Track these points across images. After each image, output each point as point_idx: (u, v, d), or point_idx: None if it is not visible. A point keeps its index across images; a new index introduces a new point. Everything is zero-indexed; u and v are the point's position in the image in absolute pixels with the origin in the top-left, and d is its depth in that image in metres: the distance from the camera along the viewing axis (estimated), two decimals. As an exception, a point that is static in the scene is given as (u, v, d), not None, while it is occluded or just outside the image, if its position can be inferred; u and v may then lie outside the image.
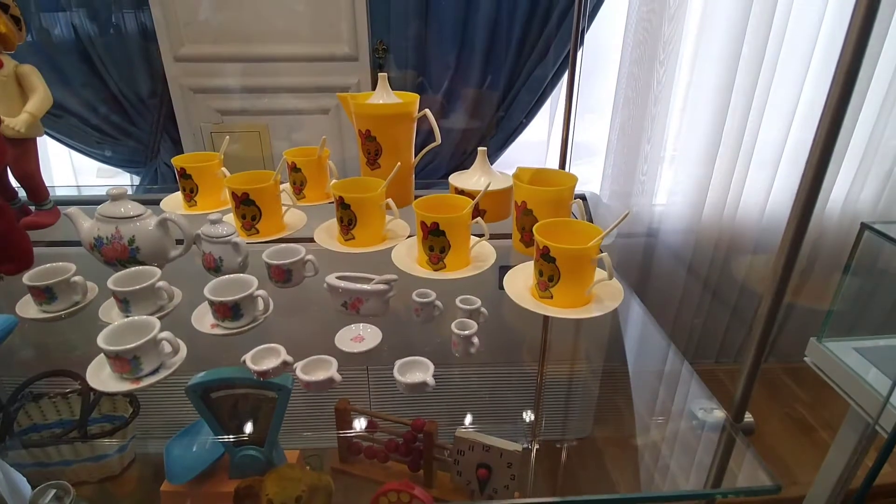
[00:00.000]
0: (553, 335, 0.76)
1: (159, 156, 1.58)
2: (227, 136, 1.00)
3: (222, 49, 1.39)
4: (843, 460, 0.91)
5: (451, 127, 1.54)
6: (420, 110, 0.97)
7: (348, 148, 1.57)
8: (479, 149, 0.97)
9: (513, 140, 1.58)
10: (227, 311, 0.64)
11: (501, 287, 0.78)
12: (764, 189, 1.51)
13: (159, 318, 0.64)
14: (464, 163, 1.57)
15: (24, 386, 0.71)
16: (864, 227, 0.99)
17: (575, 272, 0.67)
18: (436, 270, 0.78)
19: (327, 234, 0.89)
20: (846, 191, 1.53)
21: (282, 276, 0.74)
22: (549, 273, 0.68)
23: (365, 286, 0.68)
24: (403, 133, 0.97)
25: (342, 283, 0.68)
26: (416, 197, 0.86)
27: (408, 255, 0.83)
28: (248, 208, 0.86)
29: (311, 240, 0.88)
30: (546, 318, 0.72)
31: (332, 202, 0.90)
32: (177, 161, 0.97)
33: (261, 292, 0.65)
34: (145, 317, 0.59)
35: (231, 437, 0.60)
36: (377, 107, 0.93)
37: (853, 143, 1.46)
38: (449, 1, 1.40)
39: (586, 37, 1.43)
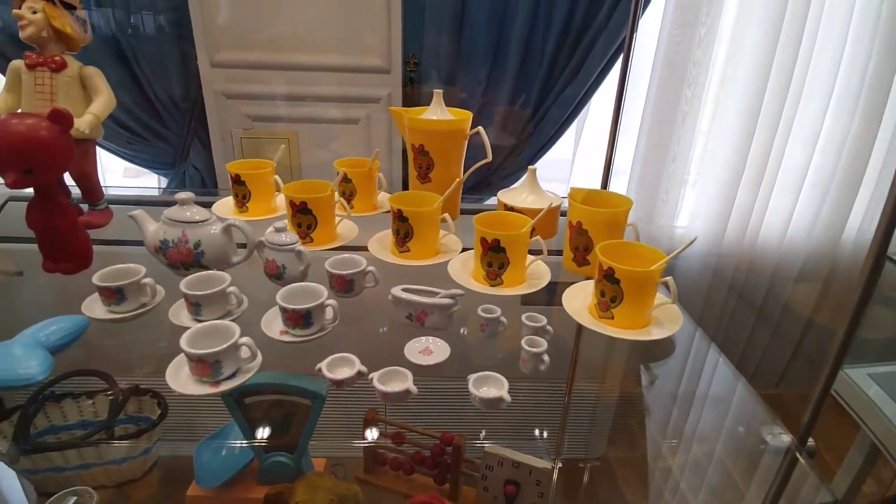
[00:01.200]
0: (608, 355, 0.77)
1: (188, 158, 1.59)
2: (283, 145, 1.01)
3: (257, 56, 1.41)
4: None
5: (480, 142, 1.56)
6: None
7: (380, 159, 1.58)
8: (530, 167, 0.98)
9: (539, 157, 1.60)
10: (300, 318, 0.65)
11: (551, 303, 0.79)
12: (785, 214, 1.53)
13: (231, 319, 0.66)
14: (489, 178, 1.58)
15: (45, 387, 0.71)
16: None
17: (638, 294, 0.69)
18: (493, 286, 0.79)
19: (380, 246, 0.90)
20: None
21: (344, 285, 0.75)
22: (612, 294, 0.69)
23: (431, 300, 0.69)
24: (455, 149, 0.99)
25: (408, 296, 0.69)
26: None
27: (463, 269, 0.84)
28: (304, 217, 0.87)
29: (363, 249, 0.89)
30: (579, 333, 0.73)
31: (380, 213, 0.91)
32: (231, 167, 0.98)
33: (331, 302, 0.66)
34: (226, 322, 0.60)
35: (262, 442, 0.60)
36: (432, 122, 0.95)
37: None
38: (483, 17, 1.42)
39: (615, 59, 1.46)
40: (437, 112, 0.98)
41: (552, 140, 1.56)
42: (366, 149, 1.56)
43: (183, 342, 0.56)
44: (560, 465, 0.67)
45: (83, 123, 0.85)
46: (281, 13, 1.34)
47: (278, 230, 0.76)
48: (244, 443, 0.60)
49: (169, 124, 1.48)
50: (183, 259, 0.76)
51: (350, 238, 0.92)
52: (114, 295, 0.68)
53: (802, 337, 1.69)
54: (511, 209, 0.94)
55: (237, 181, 0.97)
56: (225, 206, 1.03)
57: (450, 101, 1.50)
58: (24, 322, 0.78)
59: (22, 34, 0.84)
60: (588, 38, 1.42)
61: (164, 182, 1.66)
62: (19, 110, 0.88)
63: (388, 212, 0.86)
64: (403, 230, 0.85)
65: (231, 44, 1.36)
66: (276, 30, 1.38)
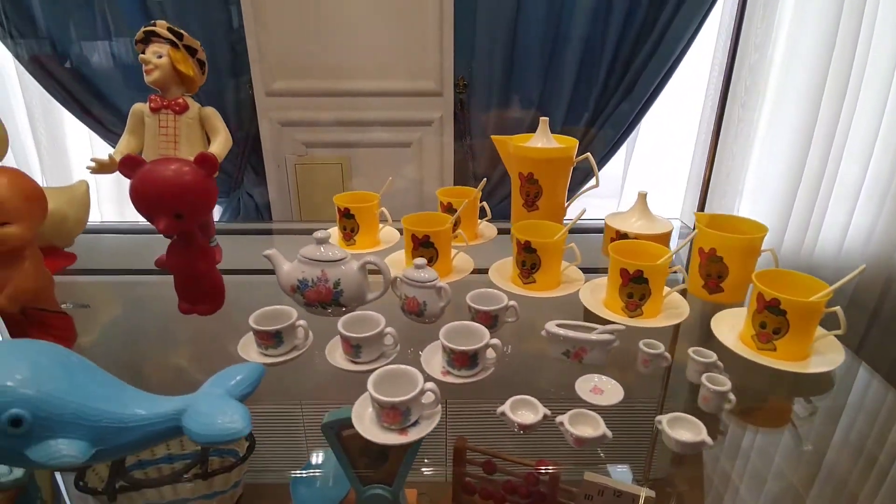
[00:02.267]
0: (761, 386, 0.75)
1: (242, 185, 1.60)
2: (391, 178, 1.01)
3: (311, 84, 1.43)
4: None
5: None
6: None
7: (428, 182, 1.59)
8: (640, 192, 0.97)
9: (591, 175, 1.59)
10: (466, 359, 0.64)
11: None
12: (842, 226, 1.51)
13: (386, 364, 0.65)
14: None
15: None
16: None
17: (804, 325, 0.67)
18: (632, 317, 0.78)
19: (500, 276, 0.89)
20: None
21: (488, 321, 0.74)
22: (775, 325, 0.68)
23: (590, 336, 0.68)
24: (562, 176, 0.98)
25: (565, 332, 0.68)
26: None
27: (593, 298, 0.83)
28: (426, 250, 0.87)
29: (477, 274, 0.89)
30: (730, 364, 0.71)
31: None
32: (339, 201, 0.98)
33: (495, 341, 0.65)
34: (408, 367, 0.59)
35: (360, 474, 0.59)
36: (542, 151, 0.95)
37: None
38: (536, 36, 1.42)
39: (668, 77, 1.45)
40: (542, 139, 0.97)
41: (604, 159, 1.54)
42: (418, 171, 1.56)
43: (372, 388, 0.55)
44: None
45: (206, 164, 0.86)
46: (334, 42, 1.36)
47: (418, 267, 0.76)
48: (342, 475, 0.58)
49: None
50: (321, 298, 0.76)
51: (467, 271, 0.91)
52: (271, 339, 0.68)
53: (858, 349, 1.65)
54: (624, 235, 0.93)
55: (346, 215, 0.97)
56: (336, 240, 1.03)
57: (499, 123, 1.51)
58: (169, 365, 0.78)
59: (147, 78, 0.85)
60: (643, 53, 1.41)
61: (216, 209, 1.68)
62: (141, 152, 0.89)
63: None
64: (530, 261, 0.84)
65: (286, 73, 1.39)
66: (329, 58, 1.40)
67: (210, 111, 0.90)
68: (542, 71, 1.44)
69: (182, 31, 0.86)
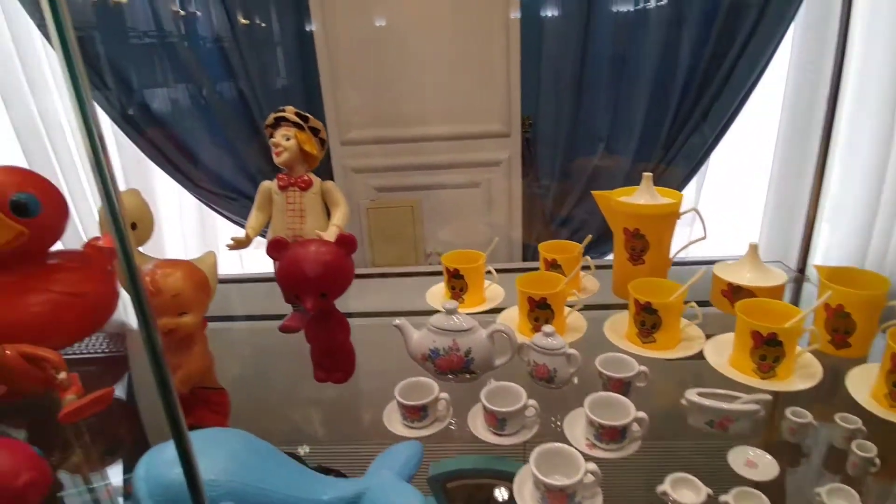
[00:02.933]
0: None
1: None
2: (496, 238, 1.04)
3: (383, 131, 1.49)
4: None
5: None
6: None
7: (496, 222, 1.61)
8: (751, 243, 0.97)
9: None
10: (615, 434, 0.65)
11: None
12: None
13: (530, 436, 0.67)
14: (604, 235, 1.57)
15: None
16: None
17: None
18: (764, 379, 0.77)
19: (616, 335, 0.90)
20: None
21: (620, 387, 0.75)
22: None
23: (736, 406, 0.68)
24: (668, 229, 0.99)
25: (709, 402, 0.68)
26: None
27: (719, 358, 0.82)
28: (542, 311, 0.89)
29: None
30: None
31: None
32: (448, 261, 1.01)
33: (642, 415, 0.66)
34: (567, 448, 0.61)
35: None
36: (650, 207, 0.96)
37: None
38: (603, 72, 1.43)
39: (741, 107, 1.43)
40: (646, 194, 0.98)
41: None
42: (486, 210, 1.59)
43: (535, 470, 0.57)
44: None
45: (331, 236, 0.91)
46: (404, 91, 1.42)
47: (547, 334, 0.78)
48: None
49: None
50: (452, 366, 0.78)
51: (582, 332, 0.92)
52: (418, 413, 0.71)
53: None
54: (738, 288, 0.93)
55: (455, 275, 1.01)
56: (436, 295, 1.07)
57: (567, 160, 1.52)
58: (312, 433, 0.82)
59: (277, 159, 0.92)
60: (716, 82, 1.39)
61: None
62: (267, 226, 0.96)
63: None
64: (650, 321, 0.84)
65: (359, 123, 1.46)
66: (400, 106, 1.46)
67: (330, 185, 0.95)
68: (611, 106, 1.45)
69: (307, 115, 0.92)
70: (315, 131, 0.93)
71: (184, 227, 1.68)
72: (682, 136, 1.48)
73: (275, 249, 0.78)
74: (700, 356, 0.84)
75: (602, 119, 1.47)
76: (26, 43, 1.33)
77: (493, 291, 1.04)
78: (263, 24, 1.42)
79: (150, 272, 0.66)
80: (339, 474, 0.73)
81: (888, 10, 1.11)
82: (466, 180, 1.58)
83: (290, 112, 0.91)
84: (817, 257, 1.50)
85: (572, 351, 0.77)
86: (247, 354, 1.00)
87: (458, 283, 1.01)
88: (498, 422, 0.69)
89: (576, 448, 0.64)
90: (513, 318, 0.95)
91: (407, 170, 1.55)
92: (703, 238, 0.99)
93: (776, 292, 0.91)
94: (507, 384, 0.73)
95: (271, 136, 0.93)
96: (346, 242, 0.76)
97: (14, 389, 0.81)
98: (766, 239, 1.51)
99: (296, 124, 0.91)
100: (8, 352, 0.77)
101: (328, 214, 0.96)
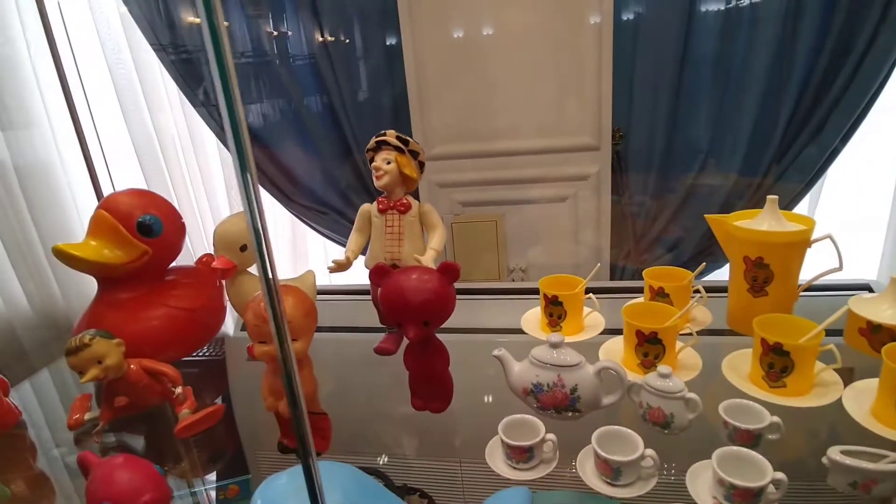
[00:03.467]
0: None
1: None
2: (599, 264, 0.98)
3: (469, 146, 1.47)
4: None
5: (694, 216, 1.43)
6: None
7: (583, 239, 1.54)
8: (893, 276, 0.85)
9: None
10: (750, 496, 0.58)
11: None
12: None
13: (646, 489, 0.62)
14: (699, 257, 1.45)
15: None
16: None
17: None
18: (916, 435, 0.67)
19: (737, 374, 0.82)
20: None
21: (750, 439, 0.67)
22: None
23: (885, 466, 0.59)
24: (797, 259, 0.89)
25: (855, 462, 0.60)
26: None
27: (859, 407, 0.72)
28: (651, 346, 0.83)
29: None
30: None
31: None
32: (546, 287, 0.97)
33: (780, 476, 0.59)
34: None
35: None
36: (777, 234, 0.87)
37: None
38: (705, 79, 1.33)
39: (863, 117, 1.27)
40: (771, 219, 0.89)
41: (788, 208, 1.38)
42: (573, 226, 1.52)
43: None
44: None
45: (428, 259, 0.90)
46: (492, 105, 1.39)
47: (663, 375, 0.72)
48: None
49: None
50: (557, 403, 0.74)
51: (697, 369, 0.85)
52: (524, 454, 0.68)
53: None
54: (878, 326, 0.82)
55: (553, 302, 0.96)
56: (531, 322, 1.03)
57: (662, 175, 1.42)
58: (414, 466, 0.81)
59: (378, 183, 0.92)
60: (833, 92, 1.25)
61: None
62: (366, 248, 0.96)
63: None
64: (780, 364, 0.76)
65: (446, 138, 1.44)
66: (487, 121, 1.43)
67: (428, 208, 0.95)
68: (714, 114, 1.35)
69: (408, 138, 0.92)
70: (415, 154, 0.93)
71: (277, 242, 1.75)
72: (794, 149, 1.35)
73: (377, 276, 0.77)
74: (837, 404, 0.75)
75: (703, 129, 1.37)
76: (145, 64, 1.44)
77: (593, 319, 0.98)
78: (351, 41, 1.46)
79: (261, 298, 0.68)
80: (423, 494, 0.72)
81: None
82: (553, 195, 1.53)
83: (391, 136, 0.91)
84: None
85: (692, 395, 0.71)
86: (340, 371, 1.01)
87: (556, 310, 0.96)
88: (612, 471, 0.64)
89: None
90: (615, 351, 0.89)
91: (492, 184, 1.53)
92: (839, 269, 0.88)
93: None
94: (621, 429, 0.68)
95: (372, 159, 0.93)
96: (449, 270, 0.74)
97: (134, 402, 0.86)
98: (887, 265, 1.34)
99: (396, 148, 0.91)
100: (133, 366, 0.82)
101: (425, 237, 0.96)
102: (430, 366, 0.80)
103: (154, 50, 1.42)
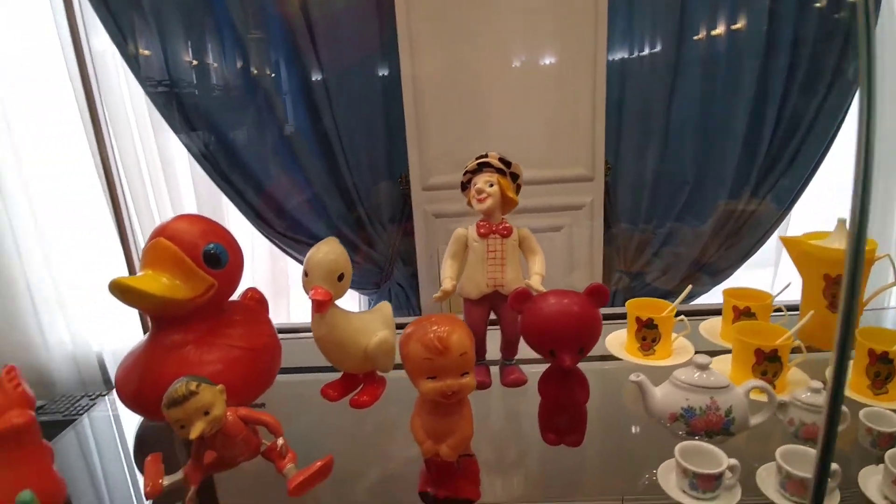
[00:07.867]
0: None
1: (392, 277, 1.62)
2: (690, 286, 0.99)
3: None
4: None
5: (680, 243, 1.55)
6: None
7: (577, 266, 1.57)
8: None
9: (748, 258, 1.57)
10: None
11: None
12: None
13: None
14: (695, 274, 1.55)
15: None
16: None
17: None
18: None
19: (848, 387, 0.85)
20: None
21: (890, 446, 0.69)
22: None
23: None
24: (866, 274, 0.95)
25: None
26: None
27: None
28: (770, 365, 0.84)
29: None
30: None
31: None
32: (636, 309, 0.96)
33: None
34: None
35: None
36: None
37: None
38: (690, 115, 1.44)
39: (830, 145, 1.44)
40: (840, 238, 0.96)
41: (766, 235, 1.53)
42: (567, 258, 1.55)
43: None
44: None
45: (536, 283, 0.86)
46: (490, 135, 1.41)
47: (814, 391, 0.73)
48: None
49: (377, 245, 1.58)
50: (710, 426, 0.73)
51: (802, 383, 0.86)
52: (711, 482, 0.64)
53: None
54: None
55: (647, 325, 0.96)
56: (616, 342, 1.02)
57: (651, 204, 1.52)
58: None
59: (479, 206, 0.88)
60: (805, 123, 1.41)
61: (363, 301, 1.72)
62: (461, 274, 0.91)
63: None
64: (885, 372, 0.80)
65: (441, 168, 1.44)
66: (484, 150, 1.44)
67: (526, 231, 0.91)
68: (698, 150, 1.46)
69: (510, 160, 0.89)
70: (514, 177, 0.90)
71: (254, 271, 1.64)
72: (771, 177, 1.48)
73: (519, 301, 0.73)
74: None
75: (688, 163, 1.47)
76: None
77: (681, 343, 0.99)
78: (346, 70, 1.43)
79: (430, 329, 0.61)
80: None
81: None
82: (548, 224, 1.55)
83: (493, 157, 0.88)
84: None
85: (843, 408, 0.72)
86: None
87: (649, 334, 0.96)
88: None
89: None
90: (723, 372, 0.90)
91: (490, 214, 1.53)
92: (894, 285, 0.96)
93: None
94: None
95: (469, 181, 0.89)
96: (598, 293, 0.71)
97: (223, 459, 0.73)
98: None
99: (499, 170, 0.88)
100: (230, 416, 0.69)
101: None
102: (571, 396, 0.75)
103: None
